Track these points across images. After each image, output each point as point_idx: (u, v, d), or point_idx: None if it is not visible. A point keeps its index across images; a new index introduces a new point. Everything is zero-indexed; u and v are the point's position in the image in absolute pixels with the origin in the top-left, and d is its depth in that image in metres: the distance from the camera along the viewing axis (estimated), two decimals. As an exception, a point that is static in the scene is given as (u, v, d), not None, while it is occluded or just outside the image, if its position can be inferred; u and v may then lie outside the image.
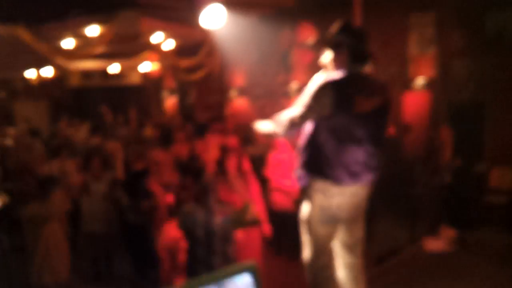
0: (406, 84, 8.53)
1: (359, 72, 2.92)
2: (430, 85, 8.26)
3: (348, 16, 5.26)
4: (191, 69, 10.33)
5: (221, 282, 1.44)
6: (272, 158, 5.96)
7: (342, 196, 2.87)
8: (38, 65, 10.16)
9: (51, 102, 14.16)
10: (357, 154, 2.84)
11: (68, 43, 7.82)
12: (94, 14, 6.56)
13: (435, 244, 5.31)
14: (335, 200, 2.88)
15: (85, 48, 7.10)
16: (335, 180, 2.82)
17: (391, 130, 7.44)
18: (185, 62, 9.60)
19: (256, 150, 7.79)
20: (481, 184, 7.14)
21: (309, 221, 2.99)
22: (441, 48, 8.18)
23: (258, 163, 6.01)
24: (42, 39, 6.13)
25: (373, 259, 5.46)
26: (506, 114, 7.27)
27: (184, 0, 6.49)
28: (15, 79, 13.27)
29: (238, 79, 11.39)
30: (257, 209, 4.81)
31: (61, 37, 7.49)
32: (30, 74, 11.92)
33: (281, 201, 5.80)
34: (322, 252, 3.02)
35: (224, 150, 5.27)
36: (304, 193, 3.00)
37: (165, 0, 7.19)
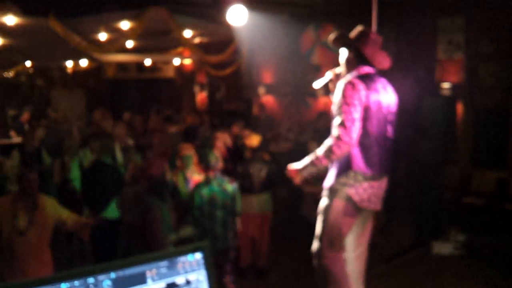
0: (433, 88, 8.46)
1: (371, 72, 3.05)
2: (456, 90, 8.18)
3: (366, 20, 5.35)
4: (220, 65, 10.56)
5: (173, 258, 1.49)
6: None
7: (372, 189, 3.01)
8: (75, 56, 10.56)
9: (86, 92, 14.57)
10: (383, 148, 3.02)
11: (101, 36, 8.17)
12: (125, 9, 6.83)
13: (443, 247, 5.34)
14: (366, 193, 2.99)
15: (116, 42, 7.40)
16: (371, 171, 2.96)
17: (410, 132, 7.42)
18: (213, 58, 9.85)
19: (278, 148, 7.94)
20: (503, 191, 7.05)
21: (333, 215, 3.02)
22: (469, 53, 8.09)
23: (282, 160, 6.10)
24: (75, 32, 6.42)
25: (382, 257, 5.55)
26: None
27: (210, -2, 6.71)
28: (53, 68, 13.72)
29: (267, 76, 11.51)
30: None
31: (95, 30, 7.82)
32: (67, 64, 12.38)
33: None
34: (342, 247, 3.08)
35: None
36: (330, 190, 3.06)
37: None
